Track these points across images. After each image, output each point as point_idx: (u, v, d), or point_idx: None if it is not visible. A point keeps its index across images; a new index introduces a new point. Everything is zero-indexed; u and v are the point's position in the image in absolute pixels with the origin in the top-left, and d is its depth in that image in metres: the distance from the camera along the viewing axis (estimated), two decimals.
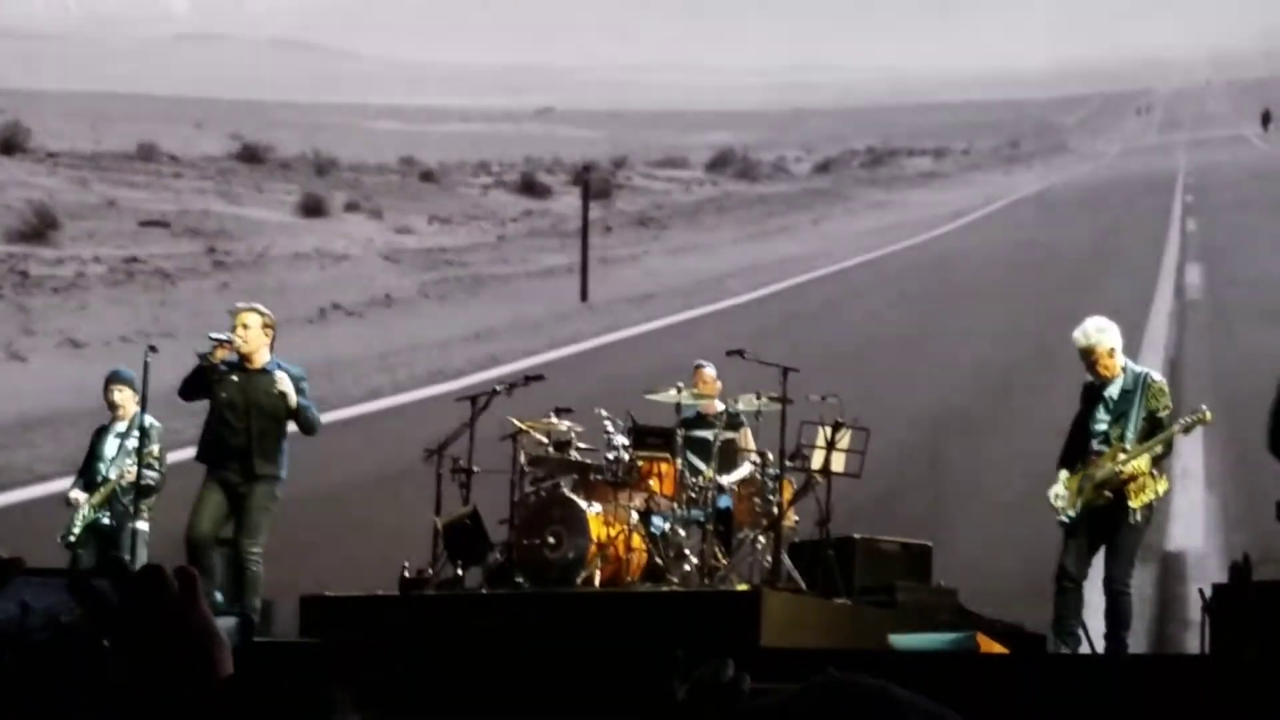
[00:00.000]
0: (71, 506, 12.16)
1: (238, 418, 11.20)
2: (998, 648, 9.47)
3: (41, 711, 1.69)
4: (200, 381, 11.31)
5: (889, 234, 35.32)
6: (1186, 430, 10.28)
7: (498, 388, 12.31)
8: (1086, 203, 37.99)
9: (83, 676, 1.70)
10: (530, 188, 38.24)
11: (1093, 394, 10.44)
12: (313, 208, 34.17)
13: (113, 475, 12.08)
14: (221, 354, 11.21)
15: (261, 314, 11.41)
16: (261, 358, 11.33)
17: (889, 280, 30.79)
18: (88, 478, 12.27)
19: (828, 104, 48.06)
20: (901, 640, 9.26)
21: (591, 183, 33.44)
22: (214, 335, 11.31)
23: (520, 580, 11.26)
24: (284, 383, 11.25)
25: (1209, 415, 10.34)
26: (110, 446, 12.23)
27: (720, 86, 47.69)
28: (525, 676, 8.06)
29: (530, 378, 12.60)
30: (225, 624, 1.67)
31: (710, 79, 48.14)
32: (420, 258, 31.82)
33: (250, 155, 37.89)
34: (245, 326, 11.28)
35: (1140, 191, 38.82)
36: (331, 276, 29.56)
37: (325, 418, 12.29)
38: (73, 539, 12.06)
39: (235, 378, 11.23)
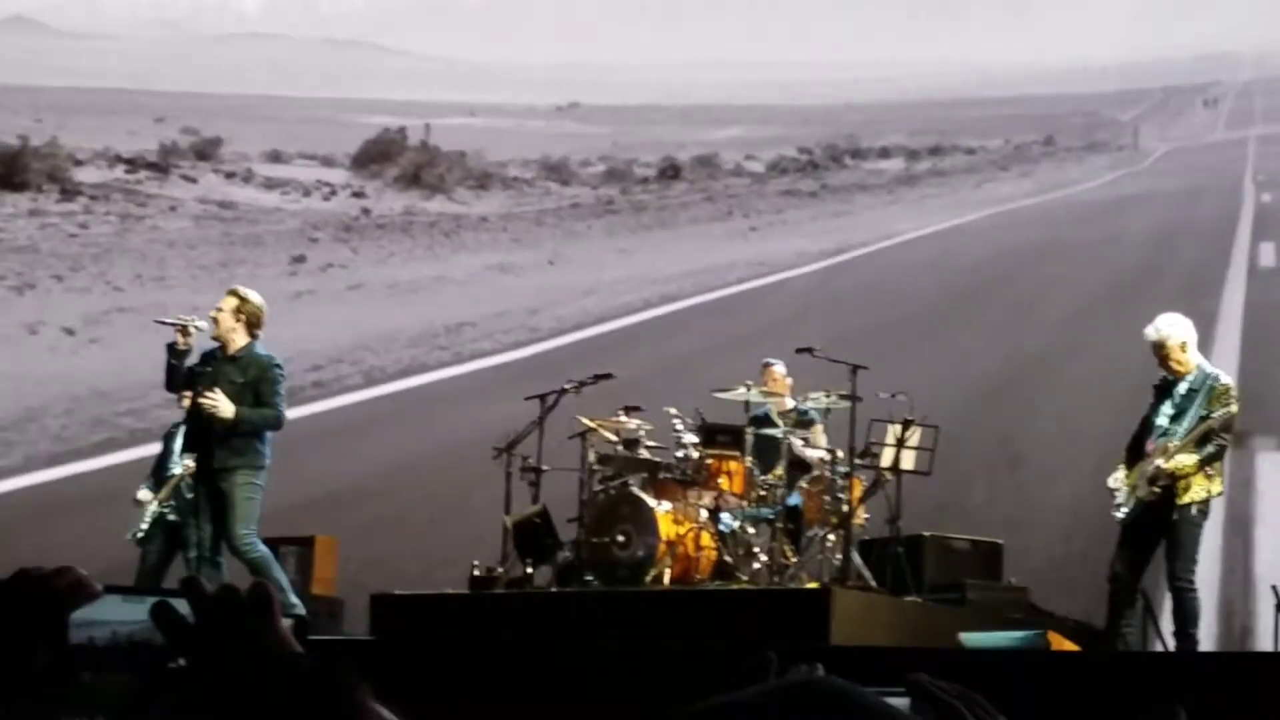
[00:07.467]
0: (139, 505, 12.28)
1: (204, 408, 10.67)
2: (1070, 645, 9.43)
3: None
4: (177, 372, 10.82)
5: (932, 220, 35.07)
6: (1221, 425, 10.07)
7: (566, 385, 12.32)
8: (1152, 192, 37.66)
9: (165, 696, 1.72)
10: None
11: (1162, 390, 10.36)
12: None
13: (177, 470, 12.14)
14: (184, 340, 10.69)
15: (239, 297, 10.81)
16: (234, 344, 10.73)
17: (942, 267, 30.50)
18: (159, 476, 12.37)
19: (869, 99, 47.86)
20: (972, 638, 9.22)
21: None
22: (161, 319, 10.89)
23: (590, 578, 11.29)
24: (223, 403, 10.53)
25: (1234, 409, 10.20)
26: (179, 443, 12.32)
27: (776, 81, 47.59)
28: (595, 675, 8.08)
29: (599, 376, 12.59)
30: None
31: (757, 74, 48.02)
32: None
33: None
34: (218, 310, 10.75)
35: (1209, 178, 38.46)
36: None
37: (401, 384, 12.09)
38: (141, 535, 12.19)
39: (209, 367, 10.74)
